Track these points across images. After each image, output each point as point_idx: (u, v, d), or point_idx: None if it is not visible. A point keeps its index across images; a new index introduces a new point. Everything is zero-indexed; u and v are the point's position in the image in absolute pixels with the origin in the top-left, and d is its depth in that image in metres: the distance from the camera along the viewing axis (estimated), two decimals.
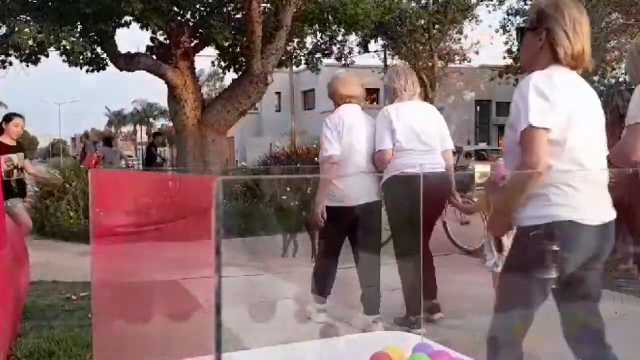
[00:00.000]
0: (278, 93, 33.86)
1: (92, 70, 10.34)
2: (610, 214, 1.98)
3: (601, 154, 2.04)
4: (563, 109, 1.91)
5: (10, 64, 10.00)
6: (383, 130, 3.59)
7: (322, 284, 3.77)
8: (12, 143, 5.41)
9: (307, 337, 3.17)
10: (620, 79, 31.22)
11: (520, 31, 2.15)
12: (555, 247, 1.91)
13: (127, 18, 10.14)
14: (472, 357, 1.39)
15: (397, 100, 3.73)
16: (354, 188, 3.63)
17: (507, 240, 2.72)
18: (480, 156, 18.21)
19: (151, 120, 53.78)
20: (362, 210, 3.57)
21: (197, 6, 10.54)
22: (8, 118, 5.38)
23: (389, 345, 1.35)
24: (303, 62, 12.27)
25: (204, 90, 21.01)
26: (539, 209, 1.92)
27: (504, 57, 26.32)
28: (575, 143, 1.92)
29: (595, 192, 1.95)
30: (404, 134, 3.56)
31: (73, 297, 4.41)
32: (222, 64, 11.56)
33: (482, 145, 24.74)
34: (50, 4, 9.37)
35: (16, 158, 5.33)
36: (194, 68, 10.59)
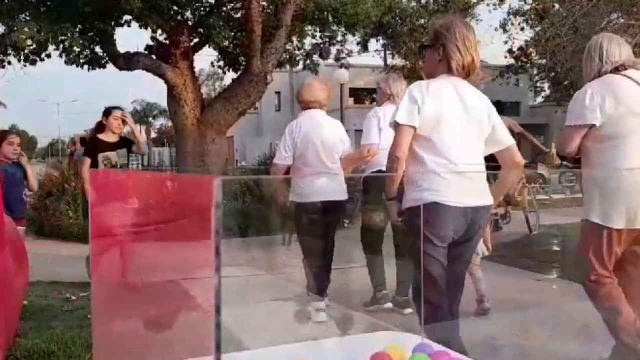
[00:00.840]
0: (278, 93, 33.86)
1: (93, 68, 10.31)
2: (481, 201, 2.41)
3: (474, 151, 2.47)
4: (431, 112, 2.39)
5: (9, 63, 9.99)
6: (371, 127, 3.87)
7: (316, 282, 3.97)
8: (113, 139, 4.89)
9: (307, 337, 3.17)
10: None
11: (423, 48, 2.64)
12: (431, 222, 2.37)
13: (127, 17, 10.13)
14: (473, 357, 1.39)
15: (389, 104, 3.94)
16: (316, 186, 3.90)
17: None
18: None
19: (150, 120, 53.77)
20: (327, 206, 3.85)
21: (197, 5, 10.53)
22: (107, 112, 4.90)
23: (389, 345, 1.35)
24: (301, 64, 12.28)
25: (204, 89, 21.02)
26: (415, 193, 2.42)
27: (505, 57, 26.32)
28: (444, 140, 2.39)
29: (462, 182, 2.40)
30: (390, 135, 3.64)
31: (72, 297, 4.41)
32: (222, 63, 11.55)
33: None
34: (49, 3, 9.37)
35: (115, 156, 4.81)
36: (194, 67, 10.58)
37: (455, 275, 2.51)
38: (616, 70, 2.71)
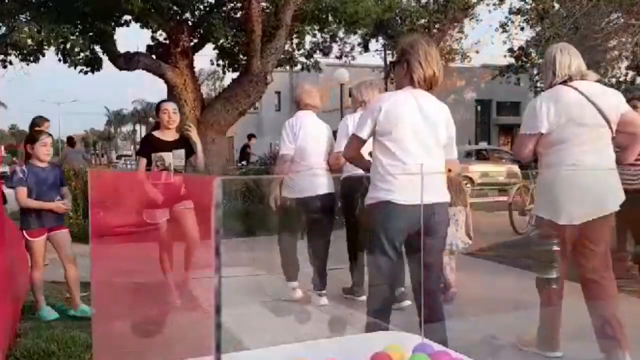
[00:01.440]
0: (278, 92, 33.85)
1: (87, 72, 10.30)
2: (435, 199, 2.69)
3: (434, 155, 2.74)
4: (390, 120, 2.70)
5: (11, 63, 9.98)
6: (342, 135, 4.05)
7: (293, 269, 4.48)
8: (170, 137, 4.28)
9: (307, 337, 3.17)
10: (621, 79, 31.25)
11: (392, 64, 2.96)
12: (382, 218, 2.70)
13: (127, 17, 10.13)
14: (473, 357, 1.38)
15: (361, 110, 4.12)
16: (311, 182, 4.32)
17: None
18: (480, 156, 18.19)
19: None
20: (321, 199, 4.30)
21: (197, 5, 10.53)
22: (157, 106, 4.41)
23: (389, 345, 1.35)
24: (301, 64, 12.27)
25: (204, 89, 21.01)
26: (373, 192, 2.76)
27: (505, 56, 26.31)
28: (402, 145, 2.68)
29: (415, 182, 2.65)
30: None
31: None
32: (222, 63, 11.55)
33: (483, 145, 24.74)
34: (49, 3, 9.36)
35: (169, 157, 4.21)
36: (194, 67, 10.58)
37: (425, 268, 2.79)
38: (565, 82, 2.99)
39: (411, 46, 2.76)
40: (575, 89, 2.95)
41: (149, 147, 4.25)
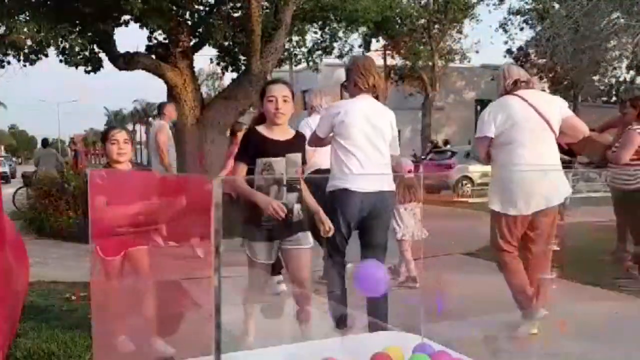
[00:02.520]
0: None
1: (89, 72, 10.30)
2: (382, 187, 3.26)
3: (380, 150, 3.28)
4: (344, 122, 3.26)
5: (9, 63, 9.98)
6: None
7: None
8: (283, 135, 3.00)
9: (307, 337, 3.16)
10: (621, 79, 31.23)
11: (343, 85, 3.69)
12: (339, 203, 3.23)
13: (126, 17, 10.12)
14: (472, 357, 1.38)
15: (315, 114, 4.65)
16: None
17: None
18: None
19: (150, 119, 53.81)
20: None
21: (197, 6, 10.52)
22: (262, 90, 3.08)
23: (389, 345, 1.35)
24: (303, 61, 12.25)
25: (203, 89, 20.97)
26: (332, 182, 3.32)
27: (505, 57, 26.31)
28: (353, 143, 3.23)
29: (369, 171, 3.22)
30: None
31: (72, 297, 4.40)
32: (221, 63, 11.55)
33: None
34: (49, 3, 9.36)
35: (281, 164, 2.96)
36: (193, 67, 10.57)
37: (373, 245, 3.34)
38: (512, 92, 3.49)
39: (352, 64, 3.47)
40: (520, 97, 3.45)
41: (254, 147, 2.97)
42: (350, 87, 3.43)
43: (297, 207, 2.96)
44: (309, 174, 4.32)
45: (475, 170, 16.24)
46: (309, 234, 3.07)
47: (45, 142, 12.82)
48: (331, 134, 3.38)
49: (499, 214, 3.46)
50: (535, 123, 3.41)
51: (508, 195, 3.43)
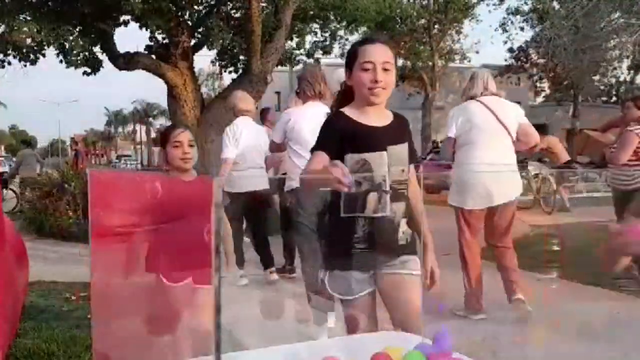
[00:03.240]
0: (278, 93, 33.83)
1: (89, 74, 10.30)
2: None
3: None
4: (295, 127, 3.58)
5: (9, 63, 9.98)
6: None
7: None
8: (380, 121, 2.09)
9: (306, 337, 3.16)
10: (621, 79, 31.18)
11: (297, 93, 3.82)
12: (296, 202, 3.49)
13: (126, 17, 10.13)
14: (472, 357, 1.38)
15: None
16: (246, 180, 4.92)
17: None
18: None
19: (150, 119, 53.80)
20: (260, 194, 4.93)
21: (197, 6, 10.53)
22: (349, 60, 2.12)
23: (389, 345, 1.35)
24: (303, 61, 12.25)
25: (204, 89, 20.98)
26: (288, 182, 3.64)
27: (505, 60, 26.31)
28: (303, 144, 3.30)
29: None
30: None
31: (72, 297, 4.40)
32: (222, 63, 11.56)
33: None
34: (49, 3, 9.36)
35: (382, 161, 2.05)
36: (193, 67, 10.58)
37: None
38: (474, 97, 3.84)
39: (301, 76, 3.77)
40: (481, 102, 3.79)
41: (341, 138, 2.08)
42: (301, 94, 3.72)
43: (403, 222, 2.11)
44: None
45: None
46: (416, 258, 2.22)
47: (26, 143, 12.84)
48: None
49: (457, 209, 3.83)
50: (493, 127, 3.75)
51: (466, 192, 3.79)
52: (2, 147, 60.32)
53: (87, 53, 9.91)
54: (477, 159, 3.75)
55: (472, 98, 3.85)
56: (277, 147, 3.90)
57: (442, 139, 4.09)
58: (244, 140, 4.81)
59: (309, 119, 3.43)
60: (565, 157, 4.65)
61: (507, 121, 3.76)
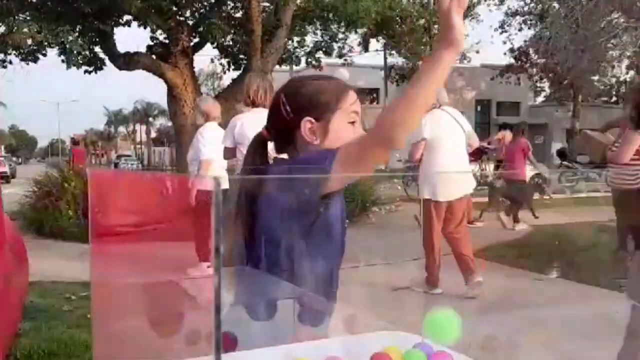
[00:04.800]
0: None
1: (90, 72, 10.31)
2: None
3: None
4: (244, 131, 3.78)
5: (11, 62, 9.97)
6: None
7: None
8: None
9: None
10: (621, 79, 31.18)
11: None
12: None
13: (126, 17, 10.13)
14: (472, 357, 1.38)
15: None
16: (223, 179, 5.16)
17: None
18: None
19: (151, 119, 53.81)
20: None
21: (197, 5, 10.53)
22: None
23: (389, 345, 1.35)
24: (303, 61, 12.24)
25: (203, 89, 20.96)
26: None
27: (505, 53, 26.27)
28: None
29: None
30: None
31: (73, 297, 4.40)
32: (223, 62, 11.56)
33: (483, 145, 24.75)
34: (49, 3, 9.36)
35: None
36: (193, 67, 10.57)
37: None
38: (439, 107, 4.52)
39: (247, 81, 4.13)
40: (445, 111, 4.59)
41: None
42: (247, 102, 4.10)
43: None
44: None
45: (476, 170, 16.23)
46: None
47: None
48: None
49: (428, 201, 4.52)
50: (456, 133, 4.56)
51: (434, 187, 4.52)
52: (2, 147, 60.33)
53: (87, 52, 9.91)
54: (444, 159, 4.45)
55: (433, 108, 4.47)
56: (229, 152, 4.07)
57: (414, 141, 4.54)
58: (217, 143, 5.15)
59: (254, 123, 3.63)
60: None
61: (465, 128, 4.63)
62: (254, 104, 3.97)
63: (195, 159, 5.15)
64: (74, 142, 20.51)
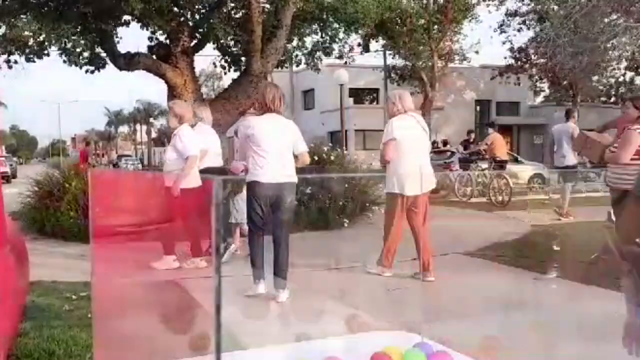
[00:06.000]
0: None
1: (92, 72, 10.31)
2: (285, 180, 4.37)
3: (285, 151, 4.43)
4: (257, 134, 4.39)
5: (16, 62, 9.96)
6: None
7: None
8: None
9: (307, 337, 3.16)
10: (620, 79, 31.14)
11: (253, 104, 5.77)
12: (253, 191, 4.40)
13: (127, 17, 10.13)
14: (472, 357, 1.39)
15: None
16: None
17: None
18: (480, 156, 18.16)
19: (151, 120, 53.78)
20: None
21: (197, 6, 10.53)
22: None
23: (389, 345, 1.35)
24: (303, 61, 12.24)
25: (204, 89, 20.96)
26: (249, 177, 4.41)
27: (505, 57, 26.27)
28: (265, 148, 4.37)
29: (273, 169, 4.32)
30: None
31: (73, 297, 4.41)
32: (222, 63, 11.55)
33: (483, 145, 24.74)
34: (50, 3, 9.36)
35: None
36: (194, 68, 10.57)
37: (277, 223, 4.42)
38: (406, 111, 5.13)
39: (264, 89, 4.73)
40: (411, 115, 5.17)
41: None
42: (261, 107, 4.54)
43: None
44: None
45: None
46: None
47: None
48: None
49: (394, 194, 5.09)
50: (422, 136, 5.16)
51: (401, 183, 5.04)
52: (3, 147, 60.30)
53: (89, 52, 9.91)
54: (411, 158, 5.02)
55: (400, 113, 5.11)
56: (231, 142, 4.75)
57: (385, 141, 5.08)
58: (196, 142, 5.58)
59: (268, 126, 4.43)
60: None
61: (427, 131, 5.27)
62: (269, 110, 4.45)
63: (178, 157, 5.47)
64: (87, 142, 20.47)
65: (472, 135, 15.37)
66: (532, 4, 23.52)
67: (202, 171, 5.46)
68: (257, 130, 4.41)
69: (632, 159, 4.70)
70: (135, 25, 10.25)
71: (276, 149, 4.37)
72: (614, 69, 27.40)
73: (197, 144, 5.53)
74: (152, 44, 10.67)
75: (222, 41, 10.68)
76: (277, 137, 4.41)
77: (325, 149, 9.72)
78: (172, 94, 10.02)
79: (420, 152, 5.08)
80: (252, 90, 9.83)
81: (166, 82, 10.01)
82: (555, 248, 6.55)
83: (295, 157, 4.51)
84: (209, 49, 11.21)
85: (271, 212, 4.40)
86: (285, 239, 4.45)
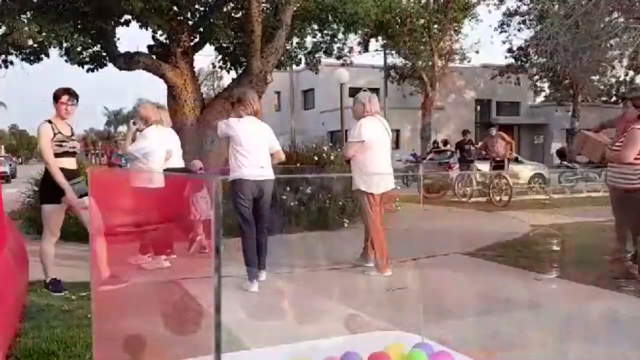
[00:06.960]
0: (278, 92, 33.84)
1: (93, 70, 10.30)
2: (265, 176, 4.82)
3: (264, 151, 4.86)
4: (240, 134, 4.77)
5: (12, 63, 9.96)
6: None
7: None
8: None
9: (307, 337, 3.16)
10: (620, 79, 31.12)
11: (232, 104, 5.16)
12: (237, 187, 4.74)
13: (127, 17, 10.12)
14: (472, 357, 1.39)
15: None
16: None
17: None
18: (480, 156, 18.16)
19: None
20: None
21: (197, 6, 10.52)
22: None
23: (389, 345, 1.35)
24: (303, 61, 12.22)
25: (204, 89, 20.94)
26: (232, 173, 4.73)
27: (505, 57, 26.29)
28: (246, 148, 4.77)
29: (255, 167, 4.73)
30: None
31: (73, 297, 4.40)
32: (222, 63, 11.54)
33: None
34: (49, 3, 9.35)
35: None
36: (194, 67, 10.56)
37: (260, 216, 4.84)
38: (373, 114, 5.40)
39: (243, 94, 5.00)
40: (378, 118, 5.46)
41: None
42: (240, 110, 4.89)
43: None
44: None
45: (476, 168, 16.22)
46: None
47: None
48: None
49: (363, 192, 5.32)
50: (386, 138, 5.45)
51: (369, 182, 5.32)
52: (2, 147, 60.28)
53: (89, 51, 9.90)
54: (377, 158, 5.33)
55: (369, 114, 5.36)
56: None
57: (351, 140, 5.37)
58: (168, 142, 5.94)
59: (248, 127, 4.81)
60: None
61: (389, 133, 5.52)
62: (248, 113, 4.86)
63: (136, 150, 5.80)
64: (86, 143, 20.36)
65: (468, 136, 15.36)
66: (532, 4, 23.52)
67: (166, 171, 5.74)
68: (239, 131, 4.80)
69: (635, 158, 4.69)
70: (135, 25, 10.24)
71: (256, 148, 4.80)
72: (614, 68, 27.40)
73: (162, 144, 5.81)
74: (152, 43, 10.66)
75: (221, 41, 10.66)
76: (257, 137, 4.83)
77: (325, 148, 9.72)
78: (172, 93, 10.02)
79: (385, 152, 5.45)
80: (252, 90, 9.82)
81: (166, 81, 10.00)
82: (555, 248, 6.55)
83: (272, 155, 4.96)
84: (209, 48, 11.21)
85: (253, 205, 4.83)
86: (265, 228, 4.95)
